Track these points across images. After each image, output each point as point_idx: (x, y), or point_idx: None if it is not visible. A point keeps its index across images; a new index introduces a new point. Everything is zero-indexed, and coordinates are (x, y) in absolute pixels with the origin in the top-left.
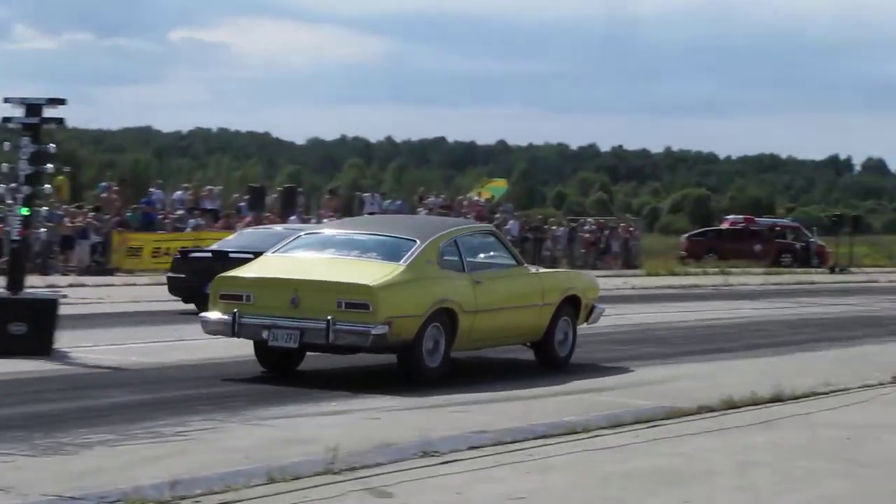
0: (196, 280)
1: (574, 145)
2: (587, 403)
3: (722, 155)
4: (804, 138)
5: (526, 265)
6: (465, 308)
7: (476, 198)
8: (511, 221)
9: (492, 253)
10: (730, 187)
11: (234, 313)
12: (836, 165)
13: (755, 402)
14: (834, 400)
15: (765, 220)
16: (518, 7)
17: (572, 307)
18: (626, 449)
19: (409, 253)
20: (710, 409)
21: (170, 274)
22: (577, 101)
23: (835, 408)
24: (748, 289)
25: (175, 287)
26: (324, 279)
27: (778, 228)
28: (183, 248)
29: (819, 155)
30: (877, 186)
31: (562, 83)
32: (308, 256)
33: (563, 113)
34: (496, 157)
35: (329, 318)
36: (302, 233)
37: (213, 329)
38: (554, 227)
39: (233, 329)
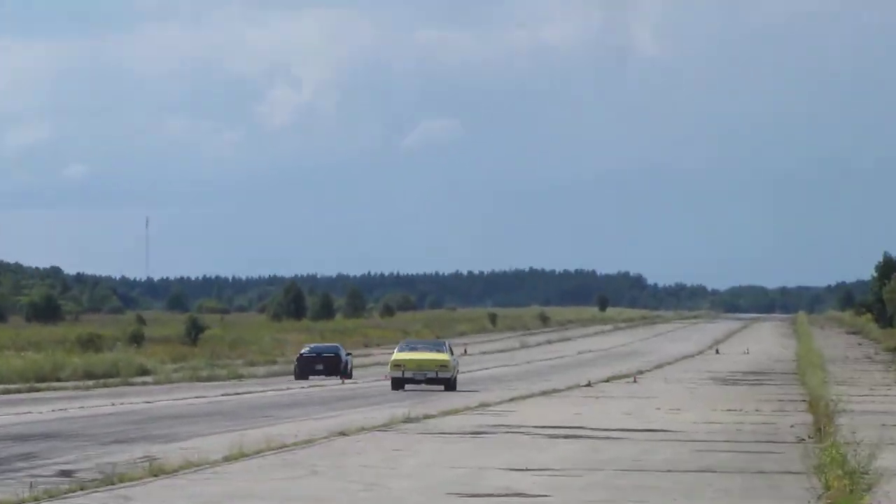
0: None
1: None
2: None
3: None
4: None
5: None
6: (454, 368)
7: None
8: None
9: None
10: None
11: (402, 371)
12: None
13: None
14: None
15: None
16: None
17: None
18: None
19: (445, 348)
20: None
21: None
22: None
23: None
24: None
25: (299, 370)
26: (429, 359)
27: None
28: (301, 352)
29: None
30: None
31: None
32: (413, 352)
33: None
34: None
35: (436, 371)
36: (402, 343)
37: (392, 376)
38: None
39: (402, 375)
